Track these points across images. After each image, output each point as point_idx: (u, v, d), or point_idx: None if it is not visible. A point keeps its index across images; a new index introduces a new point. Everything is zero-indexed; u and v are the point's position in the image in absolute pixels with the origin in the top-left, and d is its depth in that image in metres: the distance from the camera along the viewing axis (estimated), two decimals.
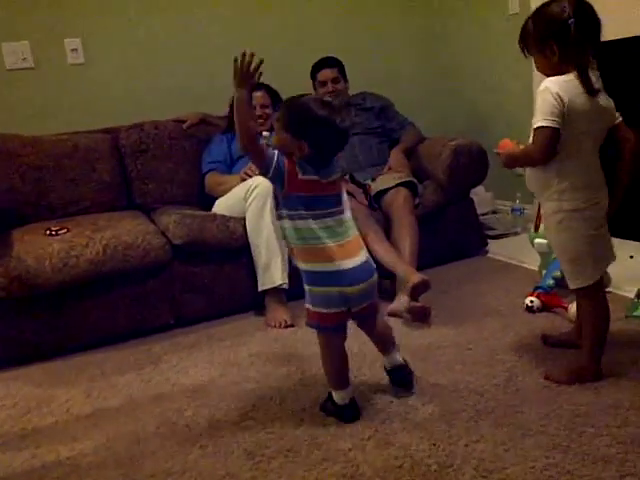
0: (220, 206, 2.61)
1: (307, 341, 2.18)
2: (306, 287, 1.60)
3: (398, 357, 1.76)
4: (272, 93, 2.87)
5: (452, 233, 2.86)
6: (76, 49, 2.90)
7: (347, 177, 2.75)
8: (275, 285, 2.38)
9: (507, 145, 1.74)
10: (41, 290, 2.15)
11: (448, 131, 3.18)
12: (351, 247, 1.58)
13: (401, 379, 1.76)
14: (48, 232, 2.34)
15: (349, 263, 1.54)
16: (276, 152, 1.53)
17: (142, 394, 1.90)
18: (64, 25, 2.89)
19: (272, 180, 1.55)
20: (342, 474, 1.41)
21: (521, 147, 1.70)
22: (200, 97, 3.06)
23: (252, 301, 2.50)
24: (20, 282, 2.11)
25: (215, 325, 2.42)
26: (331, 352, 1.64)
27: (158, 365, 2.11)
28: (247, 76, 1.52)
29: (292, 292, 2.41)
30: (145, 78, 3.05)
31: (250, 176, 2.54)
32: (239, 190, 2.50)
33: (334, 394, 1.65)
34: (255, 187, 2.40)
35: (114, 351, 2.24)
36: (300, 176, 1.52)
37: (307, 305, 1.61)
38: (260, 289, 2.42)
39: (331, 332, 1.62)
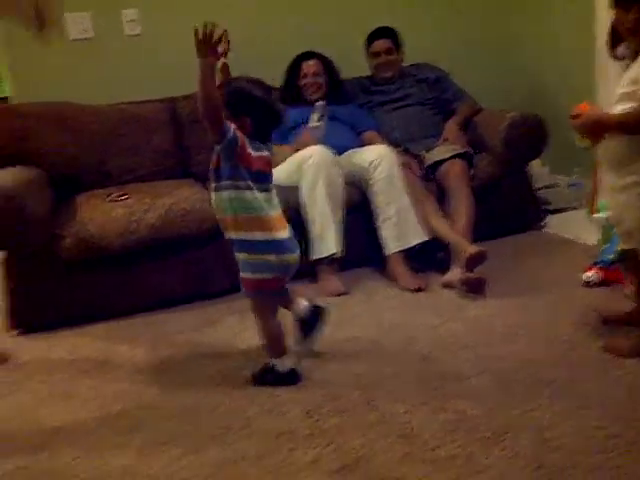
0: (275, 175, 2.63)
1: (361, 308, 2.22)
2: (243, 256, 1.68)
3: (303, 302, 1.80)
4: (326, 62, 2.86)
5: (508, 206, 2.81)
6: (133, 20, 2.95)
7: (401, 148, 2.74)
8: (329, 254, 2.40)
9: (587, 109, 1.64)
10: (105, 253, 2.23)
11: (506, 103, 3.11)
12: (282, 220, 1.72)
13: (315, 317, 1.79)
14: (110, 198, 2.41)
15: (284, 234, 1.69)
16: (232, 125, 1.59)
17: (202, 353, 1.97)
18: None
19: (223, 150, 1.62)
20: (397, 435, 1.43)
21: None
22: (254, 67, 3.06)
23: (305, 270, 2.53)
24: (85, 245, 2.20)
25: None
26: (271, 319, 1.71)
27: (216, 327, 2.17)
28: (208, 46, 1.57)
29: (343, 262, 2.45)
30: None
31: (303, 146, 2.56)
32: (293, 159, 2.51)
33: (277, 362, 1.70)
34: (310, 157, 2.41)
35: (173, 313, 2.31)
36: (252, 153, 1.64)
37: (244, 275, 1.68)
38: (313, 258, 2.44)
39: (271, 297, 1.71)
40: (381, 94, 3.00)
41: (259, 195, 1.65)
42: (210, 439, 1.48)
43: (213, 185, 1.68)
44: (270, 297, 1.71)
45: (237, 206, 1.64)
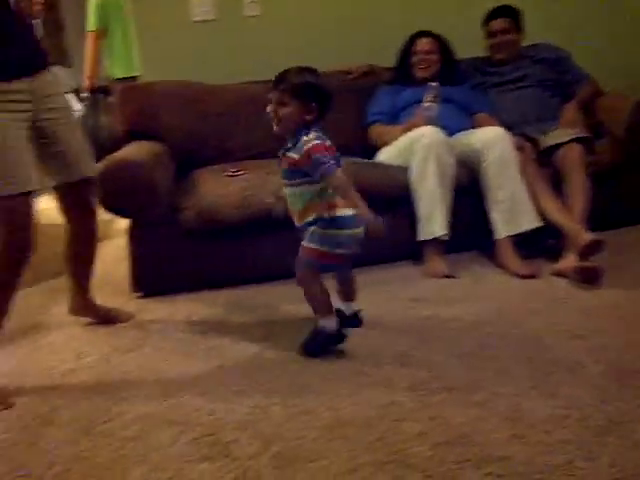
0: (384, 155, 2.66)
1: (467, 291, 2.21)
2: (318, 230, 1.75)
3: (355, 306, 1.98)
4: (441, 42, 2.83)
5: (628, 196, 2.68)
6: (254, 1, 3.05)
7: (517, 131, 2.66)
8: (435, 236, 2.40)
9: None
10: (221, 225, 2.35)
11: (631, 88, 2.95)
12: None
13: (354, 323, 1.95)
14: (227, 173, 2.54)
15: (349, 211, 1.76)
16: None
17: (306, 326, 2.03)
18: None
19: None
20: (504, 416, 1.43)
21: None
22: (368, 48, 3.10)
23: (409, 251, 2.55)
24: (204, 216, 2.33)
25: (373, 270, 2.50)
26: (317, 283, 1.81)
27: None
28: None
29: (449, 244, 2.44)
30: (317, 30, 3.14)
31: (415, 126, 2.55)
32: (405, 140, 2.52)
33: (326, 322, 1.79)
34: (422, 137, 2.41)
35: (282, 285, 2.39)
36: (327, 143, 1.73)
37: (310, 245, 1.77)
38: (420, 239, 2.45)
39: (321, 270, 1.81)
40: (496, 75, 2.93)
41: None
42: (320, 402, 1.54)
43: (298, 181, 1.76)
44: (323, 269, 1.83)
45: (323, 195, 1.75)
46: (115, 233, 3.53)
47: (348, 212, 1.76)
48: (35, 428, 1.54)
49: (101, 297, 2.36)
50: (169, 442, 1.43)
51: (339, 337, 1.81)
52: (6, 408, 1.64)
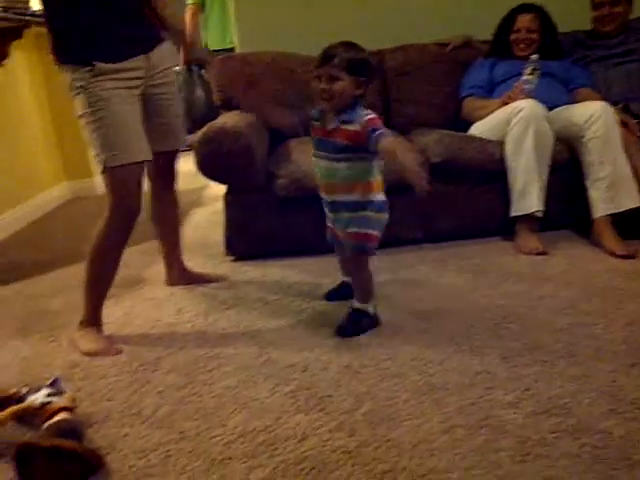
0: (478, 129, 2.62)
1: (560, 269, 2.17)
2: (379, 215, 1.77)
3: None
4: (543, 16, 2.73)
5: None
6: None
7: (620, 106, 2.55)
8: (530, 212, 2.35)
9: None
10: (313, 193, 2.38)
11: None
12: None
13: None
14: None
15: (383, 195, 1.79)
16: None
17: (399, 293, 2.06)
18: None
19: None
20: (601, 391, 1.41)
21: None
22: (466, 20, 3.04)
23: (500, 226, 2.51)
24: (297, 184, 2.38)
25: (462, 244, 2.49)
26: (369, 270, 1.82)
27: (410, 271, 2.26)
28: None
29: (542, 222, 2.39)
30: (412, 2, 3.10)
31: (513, 100, 2.50)
32: (501, 113, 2.47)
33: (370, 307, 1.82)
34: (520, 110, 2.35)
35: None
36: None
37: (372, 232, 1.76)
38: (513, 215, 2.41)
39: (373, 254, 1.81)
40: (600, 49, 2.80)
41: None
42: (411, 367, 1.58)
43: (349, 156, 1.71)
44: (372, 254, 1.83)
45: (374, 172, 1.75)
46: (208, 200, 3.68)
47: (383, 196, 1.78)
48: (142, 373, 1.66)
49: (196, 260, 2.48)
50: (266, 394, 1.51)
51: (378, 321, 1.83)
52: (116, 354, 1.78)
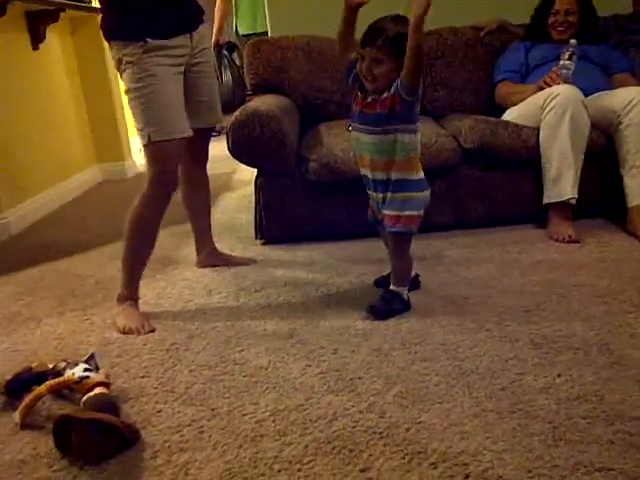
0: (512, 114, 2.58)
1: (594, 257, 2.14)
2: (420, 194, 1.73)
3: None
4: (583, 0, 2.66)
5: None
6: None
7: None
8: (563, 199, 2.32)
9: None
10: (344, 178, 2.39)
11: None
12: None
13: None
14: (350, 128, 2.56)
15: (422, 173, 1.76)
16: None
17: (430, 278, 2.05)
18: None
19: (417, 95, 1.66)
20: (636, 379, 1.39)
21: None
22: (501, 4, 2.99)
23: (534, 213, 2.49)
24: (328, 169, 2.38)
25: (494, 231, 2.47)
26: (409, 254, 1.80)
27: (440, 258, 2.25)
28: None
29: (576, 210, 2.36)
30: None
31: (549, 85, 2.46)
32: (537, 98, 2.43)
33: (404, 291, 1.80)
34: (556, 95, 2.31)
35: None
36: None
37: (414, 212, 1.72)
38: (546, 202, 2.38)
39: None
40: None
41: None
42: (441, 352, 1.58)
43: (387, 128, 1.67)
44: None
45: (418, 147, 1.72)
46: (238, 184, 3.70)
47: (422, 174, 1.75)
48: (175, 352, 1.69)
49: (226, 243, 2.51)
50: (297, 374, 1.53)
51: (409, 306, 1.82)
52: (149, 332, 1.81)
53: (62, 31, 3.66)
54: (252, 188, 2.56)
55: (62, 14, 3.42)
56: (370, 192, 1.82)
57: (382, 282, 1.96)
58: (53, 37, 3.55)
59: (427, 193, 1.76)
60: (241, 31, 4.21)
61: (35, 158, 3.31)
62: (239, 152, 2.38)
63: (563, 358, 1.50)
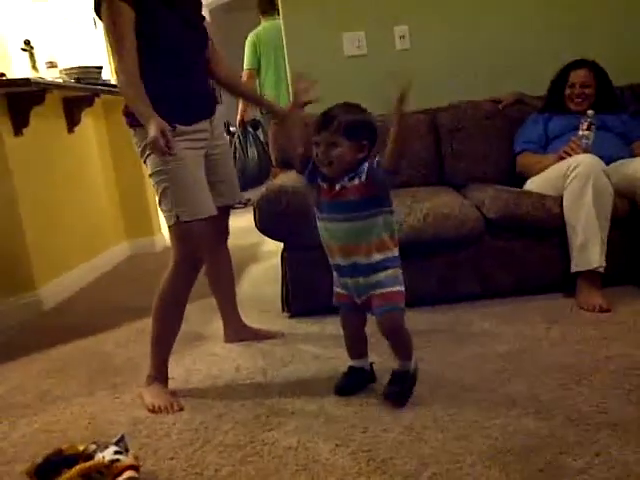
0: (534, 184, 2.61)
1: (626, 327, 2.10)
2: (397, 270, 1.71)
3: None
4: (597, 71, 2.73)
5: None
6: (404, 36, 3.16)
7: None
8: (591, 267, 2.30)
9: None
10: None
11: None
12: None
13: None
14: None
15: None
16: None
17: (458, 351, 2.03)
18: (394, 15, 3.16)
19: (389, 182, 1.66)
20: None
21: None
22: (517, 77, 3.08)
23: (561, 282, 2.46)
24: None
25: (522, 300, 2.44)
26: (406, 327, 1.73)
27: (469, 328, 2.23)
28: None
29: (604, 277, 2.33)
30: (465, 61, 3.17)
31: (569, 155, 2.49)
32: (558, 168, 2.46)
33: (413, 363, 1.75)
34: (577, 165, 2.34)
35: (425, 312, 2.41)
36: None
37: (399, 288, 1.70)
38: (573, 270, 2.36)
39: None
40: None
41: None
42: (475, 429, 1.54)
43: (364, 214, 1.65)
44: None
45: (393, 226, 1.71)
46: (264, 256, 3.75)
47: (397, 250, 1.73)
48: (204, 431, 1.68)
49: (252, 315, 2.52)
50: (327, 454, 1.50)
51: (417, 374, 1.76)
52: (178, 410, 1.81)
53: (96, 115, 3.84)
54: (277, 259, 2.60)
55: (96, 99, 3.60)
56: (345, 280, 1.74)
57: (345, 386, 1.82)
58: (87, 120, 3.72)
59: (399, 268, 1.72)
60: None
61: (68, 235, 3.41)
62: (266, 226, 2.43)
63: (601, 435, 1.46)
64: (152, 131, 1.64)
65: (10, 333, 2.76)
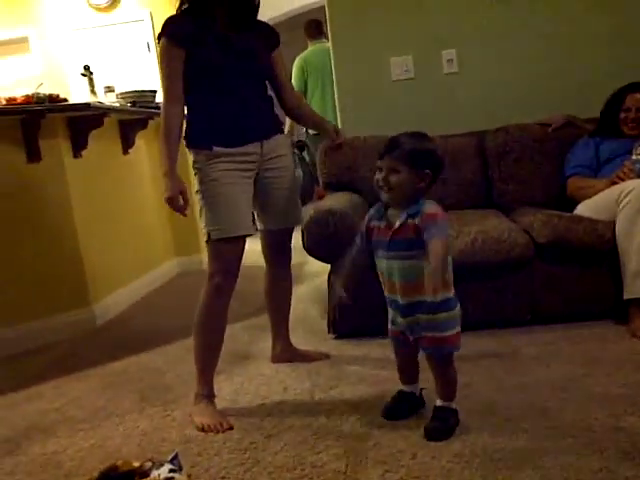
0: (585, 208, 2.57)
1: None
2: (455, 311, 1.68)
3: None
4: None
5: None
6: (451, 60, 3.19)
7: None
8: None
9: None
10: None
11: None
12: None
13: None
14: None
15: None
16: None
17: (506, 377, 2.01)
18: (442, 39, 3.19)
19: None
20: None
21: None
22: (567, 100, 3.06)
23: (613, 309, 2.41)
24: None
25: (572, 327, 2.40)
26: (454, 367, 1.72)
27: (517, 355, 2.20)
28: None
29: None
30: (513, 84, 3.17)
31: (622, 179, 2.45)
32: (611, 192, 2.42)
33: (455, 404, 1.72)
34: (631, 190, 2.30)
35: (472, 336, 2.37)
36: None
37: (453, 332, 1.67)
38: (626, 297, 2.32)
39: None
40: None
41: None
42: (524, 460, 1.52)
43: (420, 252, 1.60)
44: None
45: (449, 267, 1.65)
46: (309, 275, 3.78)
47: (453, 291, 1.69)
48: (253, 452, 1.70)
49: (297, 336, 2.55)
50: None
51: (458, 418, 1.73)
52: (227, 429, 1.84)
53: (149, 137, 3.97)
54: (322, 280, 2.62)
55: (150, 121, 3.73)
56: (398, 317, 1.74)
57: (391, 411, 1.82)
58: (141, 142, 3.85)
59: (459, 308, 1.69)
60: (311, 131, 4.44)
61: (121, 252, 3.53)
62: (314, 248, 2.46)
63: None
64: (169, 191, 1.89)
65: (65, 347, 2.86)
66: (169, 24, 1.94)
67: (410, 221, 1.62)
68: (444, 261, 1.55)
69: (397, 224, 1.65)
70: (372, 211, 1.76)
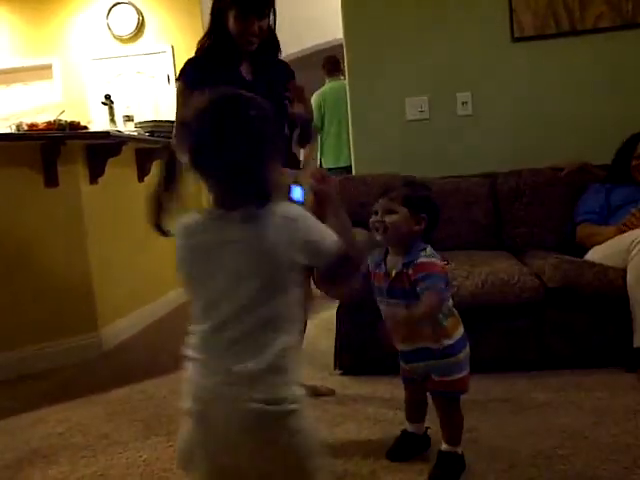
0: (596, 255, 2.57)
1: None
2: (460, 356, 1.64)
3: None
4: None
5: None
6: (466, 102, 3.23)
7: None
8: None
9: None
10: None
11: None
12: None
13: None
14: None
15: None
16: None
17: (514, 422, 1.99)
18: (457, 81, 3.24)
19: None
20: None
21: None
22: (580, 145, 3.09)
23: (624, 357, 2.39)
24: None
25: (582, 373, 2.38)
26: (460, 411, 1.69)
27: (525, 401, 2.17)
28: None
29: None
30: (526, 128, 3.21)
31: (630, 227, 2.46)
32: (622, 240, 2.43)
33: (460, 449, 1.68)
34: None
35: (480, 379, 2.34)
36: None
37: (463, 374, 1.64)
38: (636, 345, 2.30)
39: None
40: None
41: None
42: None
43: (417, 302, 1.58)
44: None
45: (450, 312, 1.66)
46: (316, 308, 3.77)
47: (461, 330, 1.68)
48: None
49: (305, 370, 2.52)
50: None
51: (464, 463, 1.70)
52: None
53: None
54: (330, 314, 2.62)
55: None
56: (407, 365, 1.74)
57: (395, 453, 1.80)
58: (156, 170, 3.90)
59: (468, 350, 1.67)
60: (325, 165, 4.50)
61: (130, 278, 3.54)
62: (323, 285, 2.46)
63: None
64: None
65: (70, 372, 2.86)
66: (187, 69, 1.98)
67: (406, 271, 1.61)
68: (429, 314, 1.55)
69: (393, 273, 1.65)
70: (372, 258, 1.74)
